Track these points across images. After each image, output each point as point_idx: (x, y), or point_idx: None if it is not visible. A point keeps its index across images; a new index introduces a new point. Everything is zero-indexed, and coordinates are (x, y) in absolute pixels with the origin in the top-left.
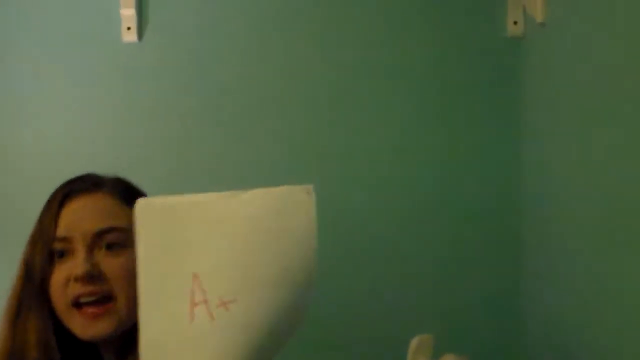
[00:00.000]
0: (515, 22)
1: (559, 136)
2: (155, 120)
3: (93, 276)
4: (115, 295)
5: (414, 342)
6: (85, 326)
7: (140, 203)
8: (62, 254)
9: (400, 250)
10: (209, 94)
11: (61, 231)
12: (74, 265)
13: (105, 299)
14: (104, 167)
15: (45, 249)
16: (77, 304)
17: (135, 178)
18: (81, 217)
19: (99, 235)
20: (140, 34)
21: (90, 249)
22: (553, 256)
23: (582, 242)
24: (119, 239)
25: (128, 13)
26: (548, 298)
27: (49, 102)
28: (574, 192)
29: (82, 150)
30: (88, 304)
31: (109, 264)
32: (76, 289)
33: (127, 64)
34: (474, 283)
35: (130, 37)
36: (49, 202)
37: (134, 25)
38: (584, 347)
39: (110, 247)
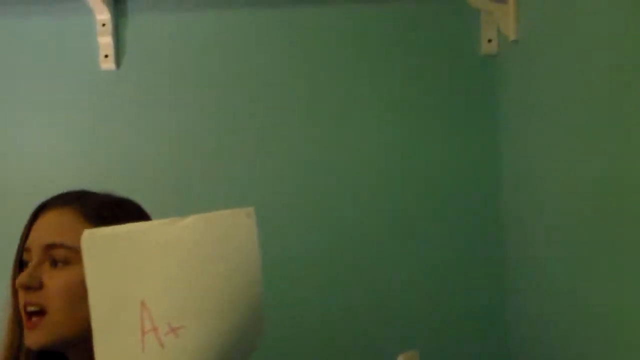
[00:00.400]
0: (489, 40)
1: (536, 149)
2: (134, 146)
3: (30, 287)
4: (47, 309)
5: (400, 358)
6: (26, 335)
7: (84, 234)
8: (25, 264)
9: (384, 267)
10: (187, 120)
11: (27, 242)
12: (21, 274)
13: (40, 312)
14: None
15: (17, 259)
16: (26, 312)
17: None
18: (41, 230)
19: (47, 249)
20: (118, 61)
21: (40, 261)
22: (536, 270)
23: (564, 252)
24: (64, 256)
25: (105, 41)
26: (532, 312)
27: (29, 128)
28: (553, 203)
29: (61, 174)
30: (30, 313)
31: (50, 278)
32: (21, 298)
33: (105, 91)
34: (458, 299)
35: (108, 64)
36: (31, 214)
37: (111, 52)
38: (576, 348)
39: (54, 263)
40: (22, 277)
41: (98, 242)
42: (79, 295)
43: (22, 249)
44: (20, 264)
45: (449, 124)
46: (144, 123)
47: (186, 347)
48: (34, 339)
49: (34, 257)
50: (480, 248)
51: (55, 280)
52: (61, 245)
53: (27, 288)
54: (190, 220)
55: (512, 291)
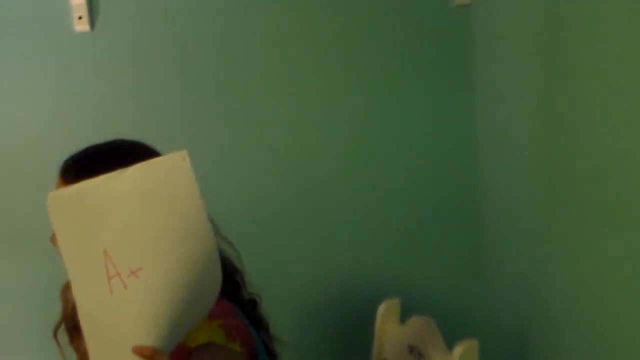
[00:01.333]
0: None
1: (510, 101)
2: (109, 109)
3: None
4: None
5: (382, 307)
6: None
7: (50, 198)
8: None
9: (366, 219)
10: (163, 82)
11: None
12: None
13: None
14: (56, 153)
15: None
16: None
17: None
18: None
19: None
20: (93, 23)
21: None
22: (511, 222)
23: (536, 204)
24: None
25: (78, 2)
26: (508, 261)
27: (1, 91)
28: (527, 153)
29: (35, 135)
30: None
31: None
32: None
33: (79, 53)
34: (437, 250)
35: (82, 26)
36: None
37: (85, 14)
38: (543, 307)
39: None
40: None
41: (62, 203)
42: None
43: None
44: None
45: (423, 79)
46: (118, 85)
47: (147, 287)
48: None
49: None
50: (458, 202)
51: None
52: None
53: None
54: (130, 171)
55: (488, 242)
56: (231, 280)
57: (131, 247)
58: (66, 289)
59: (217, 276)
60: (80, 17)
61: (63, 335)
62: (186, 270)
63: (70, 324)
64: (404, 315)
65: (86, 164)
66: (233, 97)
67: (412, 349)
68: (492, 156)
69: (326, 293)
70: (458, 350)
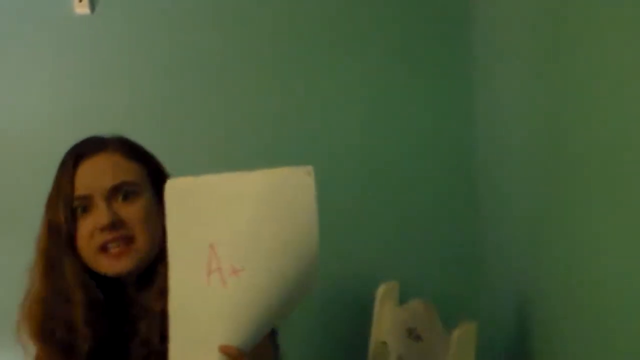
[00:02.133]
0: None
1: (507, 88)
2: (109, 92)
3: (115, 224)
4: (135, 236)
5: (381, 289)
6: (112, 265)
7: (168, 185)
8: (85, 210)
9: (366, 201)
10: (163, 66)
11: (80, 190)
12: (97, 218)
13: (127, 241)
14: (55, 138)
15: (67, 208)
16: (103, 248)
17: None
18: (96, 176)
19: (113, 190)
20: (93, 5)
21: (109, 201)
22: (509, 206)
23: (534, 188)
24: (133, 190)
25: None
26: (507, 244)
27: (1, 76)
28: (526, 138)
29: (37, 121)
30: (113, 246)
31: (126, 211)
32: (102, 237)
33: (80, 36)
34: (436, 233)
35: (82, 9)
36: (63, 165)
37: None
38: (541, 290)
39: (125, 197)
40: (105, 219)
41: (179, 191)
42: (154, 219)
43: (72, 198)
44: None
45: (421, 68)
46: (119, 68)
47: (245, 287)
48: (125, 264)
49: (98, 201)
50: (456, 187)
51: (132, 212)
52: (126, 183)
53: (112, 227)
54: (255, 174)
55: (486, 227)
56: None
57: (238, 247)
58: (46, 269)
59: (311, 292)
60: (80, 0)
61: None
62: (285, 280)
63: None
64: (403, 299)
65: (137, 147)
66: (233, 84)
67: (410, 332)
68: (490, 141)
69: (325, 277)
70: (456, 332)
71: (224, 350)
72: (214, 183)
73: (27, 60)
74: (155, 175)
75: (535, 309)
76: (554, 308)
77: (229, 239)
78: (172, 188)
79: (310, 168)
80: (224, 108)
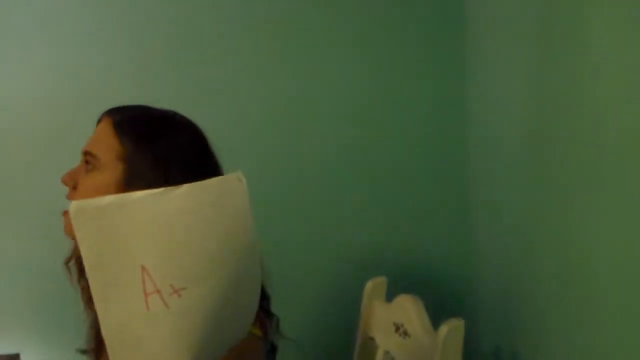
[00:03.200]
0: None
1: (501, 70)
2: (115, 63)
3: (67, 185)
4: None
5: (369, 285)
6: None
7: (73, 208)
8: None
9: (355, 197)
10: (166, 35)
11: None
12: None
13: None
14: (61, 111)
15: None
16: None
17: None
18: (89, 138)
19: (83, 155)
20: None
21: (80, 165)
22: (500, 204)
23: (525, 182)
24: (91, 163)
25: None
26: (496, 243)
27: (7, 36)
28: (516, 126)
29: (39, 89)
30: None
31: (82, 181)
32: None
33: (83, 2)
34: (425, 230)
35: None
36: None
37: None
38: (529, 289)
39: (87, 164)
40: (63, 176)
41: (87, 215)
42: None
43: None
44: None
45: (417, 55)
46: (122, 40)
47: (190, 307)
48: (65, 229)
49: (80, 161)
50: (446, 181)
51: (84, 183)
52: (88, 153)
53: (66, 185)
54: (182, 189)
55: (476, 224)
56: None
57: (176, 266)
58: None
59: (257, 297)
60: None
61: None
62: (230, 291)
63: (80, 262)
64: (391, 295)
65: (143, 126)
66: (235, 60)
67: (397, 327)
68: (482, 137)
69: (312, 272)
70: (444, 329)
71: None
72: (133, 202)
73: (31, 28)
74: (137, 162)
75: (524, 308)
76: (543, 307)
77: (162, 259)
78: (79, 212)
79: (240, 173)
80: (224, 82)
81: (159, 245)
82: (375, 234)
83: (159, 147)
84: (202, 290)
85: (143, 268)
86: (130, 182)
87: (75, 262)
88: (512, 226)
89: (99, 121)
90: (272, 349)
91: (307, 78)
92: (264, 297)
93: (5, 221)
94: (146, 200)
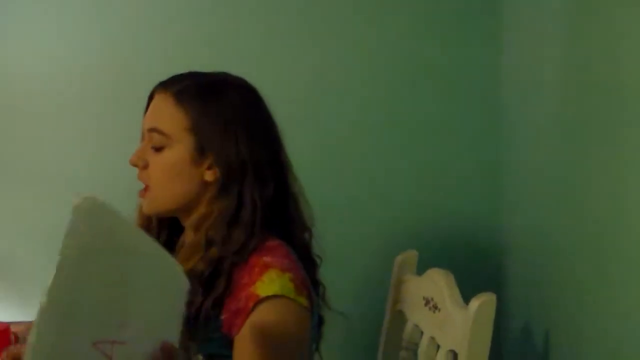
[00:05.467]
0: None
1: (536, 43)
2: (115, 31)
3: (137, 166)
4: (150, 186)
5: (399, 258)
6: (140, 204)
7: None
8: None
9: (386, 171)
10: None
11: (142, 125)
12: (132, 155)
13: (146, 186)
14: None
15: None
16: None
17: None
18: (148, 114)
19: (149, 132)
20: None
21: (146, 144)
22: (530, 176)
23: (557, 155)
24: (159, 140)
25: None
26: (527, 215)
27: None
28: (551, 104)
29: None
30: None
31: (152, 160)
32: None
33: None
34: (456, 203)
35: None
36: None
37: None
38: (562, 262)
39: (154, 144)
40: (131, 157)
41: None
42: (173, 175)
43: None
44: None
45: (452, 28)
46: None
47: (133, 353)
48: (144, 207)
49: (144, 139)
50: (478, 155)
51: (154, 162)
52: (154, 130)
53: (135, 166)
54: (147, 257)
55: (506, 197)
56: (301, 237)
57: (107, 321)
58: None
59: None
60: None
61: None
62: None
63: None
64: (422, 269)
65: (202, 92)
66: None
67: (427, 301)
68: (515, 110)
69: (344, 246)
70: (475, 303)
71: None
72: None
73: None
74: (205, 129)
75: (557, 281)
76: (576, 279)
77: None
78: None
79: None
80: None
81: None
82: (406, 207)
83: (223, 109)
84: (140, 337)
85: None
86: (204, 150)
87: None
88: (543, 196)
89: (150, 97)
90: (320, 322)
91: (339, 43)
92: (313, 265)
93: (29, 186)
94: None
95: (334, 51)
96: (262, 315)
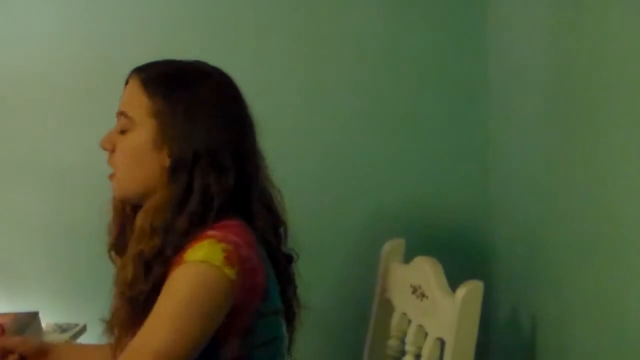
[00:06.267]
0: None
1: (522, 33)
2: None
3: (107, 149)
4: (116, 169)
5: (387, 246)
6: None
7: None
8: None
9: (375, 159)
10: None
11: None
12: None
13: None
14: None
15: None
16: None
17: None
18: (121, 98)
19: (117, 115)
20: None
21: (116, 128)
22: (519, 165)
23: (545, 147)
24: (124, 124)
25: None
26: (515, 204)
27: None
28: (539, 92)
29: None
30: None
31: (117, 143)
32: None
33: None
34: (443, 191)
35: None
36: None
37: None
38: (548, 251)
39: (121, 127)
40: (101, 140)
41: None
42: (134, 159)
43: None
44: None
45: (436, 9)
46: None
47: None
48: (113, 191)
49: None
50: (465, 142)
51: (120, 145)
52: (122, 114)
53: (104, 150)
54: None
55: (495, 185)
56: (274, 231)
57: None
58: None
59: None
60: None
61: None
62: None
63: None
64: (409, 258)
65: (169, 79)
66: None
67: (415, 289)
68: (502, 98)
69: (331, 236)
70: (462, 291)
71: None
72: None
73: None
74: (167, 116)
75: (543, 270)
76: (564, 269)
77: None
78: None
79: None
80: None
81: None
82: (393, 196)
83: (187, 98)
84: None
85: None
86: (163, 136)
87: (116, 240)
88: (531, 186)
89: (127, 81)
90: (290, 317)
91: (323, 32)
92: (288, 258)
93: (24, 179)
94: None
95: (318, 40)
96: (177, 274)
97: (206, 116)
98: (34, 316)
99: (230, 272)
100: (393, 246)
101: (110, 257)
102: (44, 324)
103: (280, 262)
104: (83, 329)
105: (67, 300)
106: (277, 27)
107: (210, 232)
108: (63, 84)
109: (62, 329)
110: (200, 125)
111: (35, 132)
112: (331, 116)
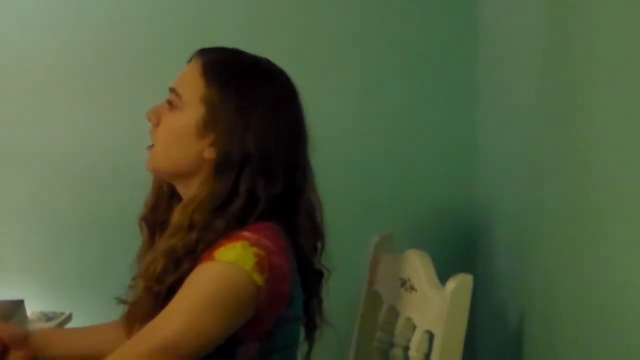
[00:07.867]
0: None
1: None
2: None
3: (151, 121)
4: (155, 143)
5: (375, 239)
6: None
7: None
8: None
9: (363, 153)
10: None
11: None
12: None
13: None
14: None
15: None
16: None
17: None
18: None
19: (169, 91)
20: None
21: (165, 102)
22: (508, 157)
23: (535, 140)
24: (174, 101)
25: None
26: (505, 197)
27: None
28: (528, 90)
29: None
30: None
31: (163, 118)
32: None
33: None
34: (431, 184)
35: None
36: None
37: None
38: (538, 244)
39: (169, 103)
40: (148, 112)
41: None
42: (175, 138)
43: None
44: None
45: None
46: None
47: None
48: (147, 163)
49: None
50: (454, 136)
51: (163, 121)
52: (173, 90)
53: (149, 121)
54: None
55: (484, 179)
56: (312, 244)
57: None
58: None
59: None
60: None
61: None
62: None
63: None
64: (399, 251)
65: (232, 71)
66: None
67: (404, 282)
68: (491, 88)
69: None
70: (451, 284)
71: None
72: None
73: None
74: (219, 107)
75: (533, 265)
76: (553, 263)
77: None
78: None
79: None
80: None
81: None
82: (381, 188)
83: (245, 96)
84: None
85: None
86: (209, 125)
87: (148, 213)
88: (522, 179)
89: (190, 60)
90: (311, 328)
91: (312, 23)
92: (318, 274)
93: (9, 168)
94: None
95: (307, 31)
96: (203, 269)
97: (261, 117)
98: (18, 304)
99: (259, 279)
100: (382, 238)
101: (140, 227)
102: (29, 313)
103: (310, 274)
104: (68, 318)
105: (53, 288)
106: (272, 26)
107: (245, 234)
108: (55, 70)
109: (48, 317)
110: (253, 125)
111: (19, 120)
112: (320, 112)
